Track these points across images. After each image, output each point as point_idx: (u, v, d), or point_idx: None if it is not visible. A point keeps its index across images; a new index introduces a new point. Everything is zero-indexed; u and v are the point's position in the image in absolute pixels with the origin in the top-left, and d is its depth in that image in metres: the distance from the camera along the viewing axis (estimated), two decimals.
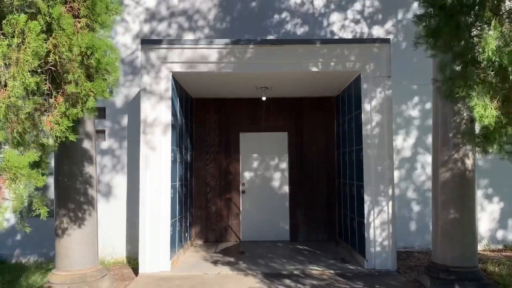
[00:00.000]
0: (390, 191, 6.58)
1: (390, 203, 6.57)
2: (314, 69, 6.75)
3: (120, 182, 8.07)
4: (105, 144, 8.08)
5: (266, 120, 9.06)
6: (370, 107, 6.69)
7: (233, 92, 8.56)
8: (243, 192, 9.10)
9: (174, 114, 7.00)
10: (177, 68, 6.74)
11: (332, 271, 6.43)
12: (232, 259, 7.27)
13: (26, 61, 3.39)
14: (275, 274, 6.27)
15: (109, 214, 7.88)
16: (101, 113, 8.00)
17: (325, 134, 9.06)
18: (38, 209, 3.59)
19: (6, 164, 3.18)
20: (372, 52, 6.74)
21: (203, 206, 9.02)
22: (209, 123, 9.11)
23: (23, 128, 3.28)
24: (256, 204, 9.08)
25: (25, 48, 3.41)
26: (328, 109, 9.03)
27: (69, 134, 3.69)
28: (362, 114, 6.72)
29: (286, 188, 9.09)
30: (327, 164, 9.02)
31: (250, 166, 9.14)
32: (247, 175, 9.13)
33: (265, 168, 9.14)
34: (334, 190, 8.94)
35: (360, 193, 6.90)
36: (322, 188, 9.01)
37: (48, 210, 3.87)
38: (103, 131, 8.07)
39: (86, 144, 5.77)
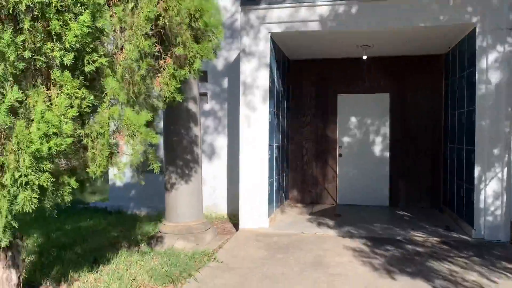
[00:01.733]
0: (505, 157, 6.01)
1: (505, 169, 6.01)
2: (423, 24, 6.26)
3: (221, 143, 8.45)
4: (207, 106, 8.47)
5: (366, 81, 8.71)
6: (486, 65, 6.06)
7: (332, 52, 8.33)
8: (340, 155, 8.98)
9: (272, 77, 7.05)
10: (276, 28, 6.72)
11: (436, 239, 6.15)
12: (328, 221, 7.31)
13: (139, 25, 3.62)
14: (376, 238, 6.18)
15: (211, 172, 8.34)
16: (203, 76, 8.34)
17: (430, 94, 8.47)
18: (152, 164, 3.92)
19: (126, 123, 3.48)
20: (491, 3, 6.03)
21: (299, 169, 9.11)
22: (306, 85, 9.03)
23: (138, 89, 3.54)
24: (353, 167, 8.92)
25: (139, 13, 3.64)
26: (434, 68, 8.38)
27: (176, 95, 3.91)
28: (476, 73, 6.12)
29: (386, 152, 8.78)
30: (432, 127, 8.47)
31: (348, 129, 8.94)
32: (345, 138, 8.97)
33: (363, 131, 8.88)
34: (439, 154, 8.41)
35: (470, 158, 6.41)
36: (426, 152, 8.53)
37: (160, 165, 4.21)
38: (205, 94, 8.44)
39: (192, 105, 6.10)
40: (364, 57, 7.93)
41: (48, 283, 4.40)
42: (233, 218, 7.83)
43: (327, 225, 7.00)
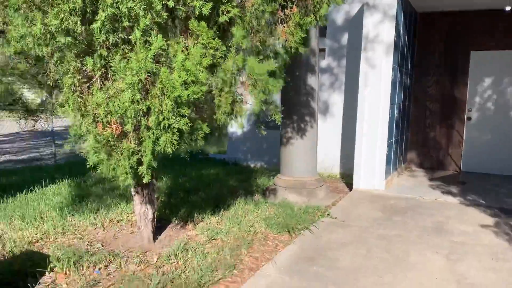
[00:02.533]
0: None
1: None
2: None
3: (336, 100, 8.30)
4: (324, 63, 8.31)
5: (507, 35, 7.70)
6: None
7: (467, 3, 7.48)
8: (469, 119, 8.22)
9: (397, 32, 6.60)
10: None
11: None
12: (451, 188, 6.85)
13: None
14: (507, 210, 5.65)
15: (325, 130, 8.29)
16: (321, 31, 8.15)
17: None
18: (274, 115, 4.01)
19: (249, 71, 3.57)
20: None
21: (420, 131, 8.58)
22: (434, 41, 8.31)
23: (263, 36, 3.58)
24: (484, 133, 8.13)
25: None
26: None
27: (300, 46, 3.88)
28: None
29: None
30: None
31: (480, 91, 8.10)
32: (475, 100, 8.15)
33: (498, 94, 7.97)
34: None
35: None
36: None
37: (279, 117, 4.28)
38: (323, 50, 8.27)
39: (311, 59, 6.03)
40: (507, 8, 6.98)
41: (176, 221, 4.88)
42: (346, 178, 7.76)
43: (449, 192, 6.57)
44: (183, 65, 2.75)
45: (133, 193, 4.26)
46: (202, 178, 7.24)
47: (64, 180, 6.62)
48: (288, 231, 4.67)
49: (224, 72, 3.17)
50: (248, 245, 4.25)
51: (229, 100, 3.33)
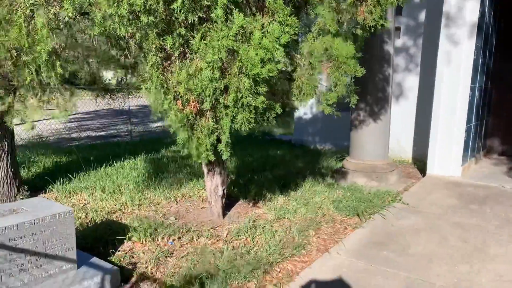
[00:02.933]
0: None
1: None
2: None
3: (410, 83, 7.92)
4: (399, 42, 7.94)
5: None
6: None
7: None
8: None
9: (482, 9, 6.12)
10: None
11: None
12: None
13: None
14: None
15: (398, 113, 7.96)
16: (397, 8, 7.76)
17: None
18: (351, 98, 3.91)
19: (333, 53, 3.49)
20: None
21: (503, 116, 7.98)
22: None
23: (344, 17, 3.48)
24: None
25: None
26: None
27: (379, 24, 3.72)
28: None
29: None
30: None
31: None
32: None
33: None
34: None
35: None
36: None
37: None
38: (398, 28, 7.89)
39: (386, 39, 5.79)
40: None
41: (244, 199, 4.98)
42: (418, 163, 7.44)
43: None
44: (260, 43, 2.75)
45: (205, 170, 4.40)
46: (269, 158, 7.29)
47: (139, 156, 6.98)
48: (358, 215, 4.59)
49: (306, 53, 3.12)
50: (316, 226, 4.24)
51: (313, 82, 3.28)
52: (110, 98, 7.98)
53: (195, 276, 3.10)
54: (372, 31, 3.73)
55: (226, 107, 3.04)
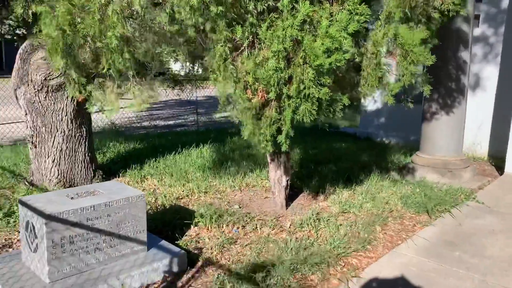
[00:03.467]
0: None
1: None
2: None
3: (490, 73, 7.38)
4: (477, 31, 7.41)
5: None
6: None
7: None
8: None
9: None
10: None
11: None
12: None
13: None
14: None
15: (474, 106, 7.46)
16: None
17: None
18: (423, 87, 3.71)
19: (399, 41, 3.33)
20: None
21: None
22: None
23: (416, 2, 3.29)
24: None
25: None
26: None
27: (458, 8, 3.48)
28: None
29: None
30: None
31: None
32: None
33: None
34: None
35: None
36: None
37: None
38: (477, 16, 7.36)
39: (463, 26, 5.42)
40: None
41: (307, 191, 4.93)
42: (496, 160, 6.94)
43: None
44: (327, 32, 2.68)
45: (269, 160, 4.40)
46: (333, 151, 7.16)
47: (205, 145, 7.15)
48: (427, 212, 4.37)
49: (373, 43, 3.00)
50: (382, 222, 4.10)
51: (377, 73, 3.16)
52: (179, 89, 8.26)
53: (259, 264, 3.12)
54: (449, 16, 3.50)
55: (289, 97, 3.00)
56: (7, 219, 3.88)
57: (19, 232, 3.61)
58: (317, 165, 6.06)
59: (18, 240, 3.55)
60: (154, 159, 6.15)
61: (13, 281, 2.71)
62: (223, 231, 3.77)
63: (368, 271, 3.19)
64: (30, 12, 4.37)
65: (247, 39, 3.00)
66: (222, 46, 2.99)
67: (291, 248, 3.39)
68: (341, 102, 3.27)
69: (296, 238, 3.66)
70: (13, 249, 3.42)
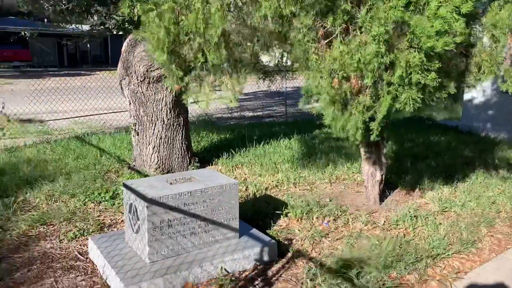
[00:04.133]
0: None
1: None
2: None
3: None
4: None
5: None
6: None
7: None
8: None
9: None
10: None
11: None
12: None
13: None
14: None
15: None
16: None
17: None
18: None
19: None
20: None
21: None
22: None
23: None
24: None
25: None
26: None
27: None
28: None
29: None
30: None
31: None
32: None
33: None
34: None
35: None
36: None
37: None
38: None
39: None
40: None
41: (403, 186, 4.67)
42: None
43: None
44: (436, 13, 2.47)
45: (362, 153, 4.24)
46: (431, 145, 6.71)
47: (294, 136, 7.12)
48: None
49: (490, 25, 2.72)
50: (489, 223, 3.75)
51: (498, 58, 2.85)
52: (269, 80, 8.28)
53: (352, 260, 3.02)
54: None
55: (389, 84, 2.83)
56: (112, 201, 4.20)
57: (123, 213, 3.90)
58: (414, 160, 5.72)
59: (122, 221, 3.82)
60: (244, 148, 6.26)
61: (117, 258, 2.92)
62: (313, 224, 3.71)
63: (471, 276, 2.94)
64: (135, 11, 4.67)
65: (340, 26, 2.88)
66: (305, 34, 2.91)
67: (386, 245, 3.23)
68: (446, 90, 3.01)
69: (391, 235, 3.49)
70: (117, 229, 3.69)
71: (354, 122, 3.21)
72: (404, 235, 3.51)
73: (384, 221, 3.78)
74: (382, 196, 4.34)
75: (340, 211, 3.95)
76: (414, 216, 3.82)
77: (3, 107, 4.78)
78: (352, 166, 5.34)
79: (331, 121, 3.30)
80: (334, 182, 4.92)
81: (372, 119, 3.22)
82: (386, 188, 4.57)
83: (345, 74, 3.00)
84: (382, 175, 4.24)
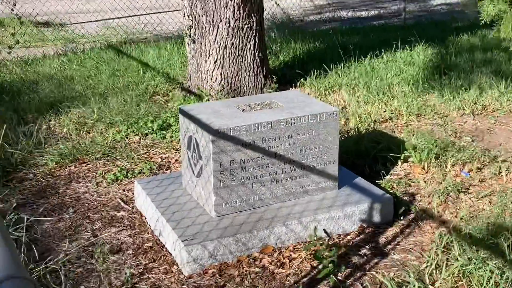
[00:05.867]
0: None
1: None
2: None
3: None
4: None
5: None
6: None
7: None
8: None
9: None
10: None
11: None
12: None
13: None
14: None
15: None
16: None
17: None
18: None
19: None
20: None
21: None
22: None
23: None
24: None
25: None
26: None
27: None
28: None
29: None
30: None
31: None
32: None
33: None
34: None
35: None
36: None
37: None
38: None
39: None
40: None
41: None
42: None
43: None
44: None
45: None
46: None
47: (416, 46, 6.81)
48: None
49: None
50: None
51: None
52: None
53: (505, 226, 2.91)
54: None
55: None
56: (163, 133, 4.34)
57: (177, 150, 4.03)
58: None
59: (176, 160, 3.96)
60: (342, 64, 6.12)
61: (173, 209, 3.05)
62: (447, 173, 3.61)
63: None
64: None
65: None
66: None
67: None
68: None
69: None
70: (171, 170, 3.83)
71: None
72: None
73: None
74: None
75: (488, 157, 3.80)
76: None
77: (14, 4, 4.95)
78: (507, 91, 5.06)
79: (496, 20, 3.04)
80: (479, 114, 4.74)
81: None
82: None
83: None
84: None
